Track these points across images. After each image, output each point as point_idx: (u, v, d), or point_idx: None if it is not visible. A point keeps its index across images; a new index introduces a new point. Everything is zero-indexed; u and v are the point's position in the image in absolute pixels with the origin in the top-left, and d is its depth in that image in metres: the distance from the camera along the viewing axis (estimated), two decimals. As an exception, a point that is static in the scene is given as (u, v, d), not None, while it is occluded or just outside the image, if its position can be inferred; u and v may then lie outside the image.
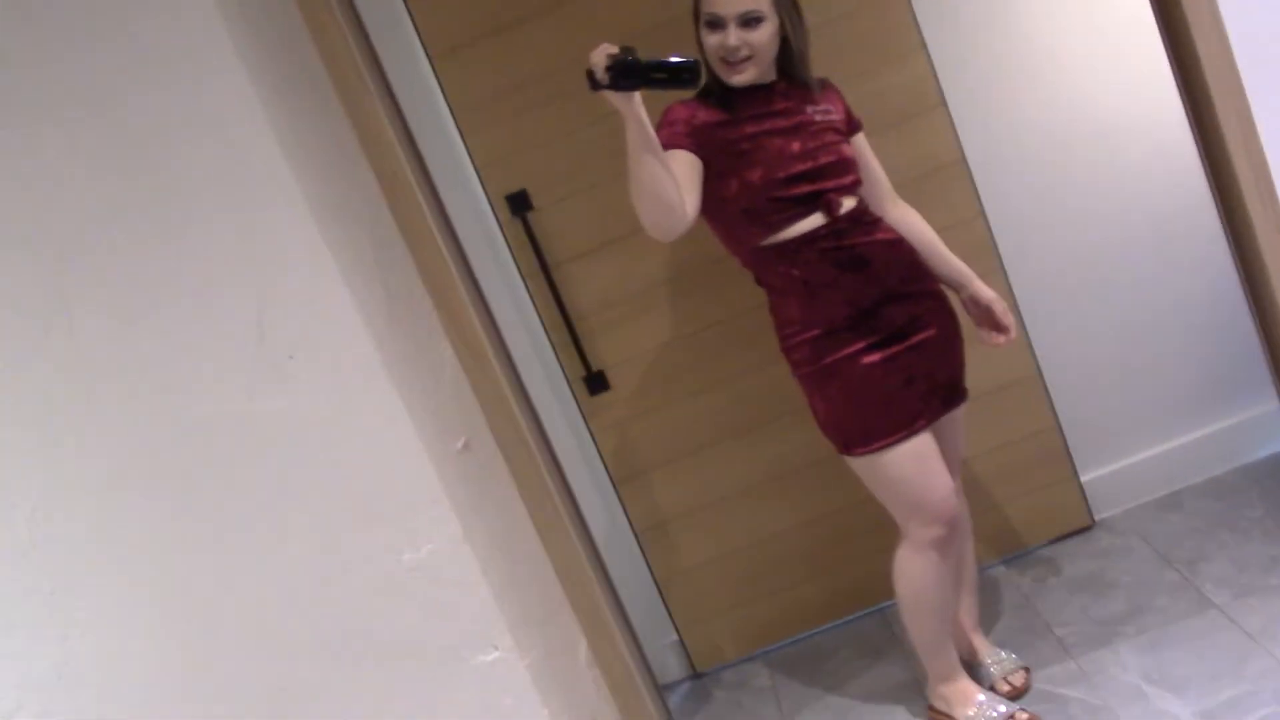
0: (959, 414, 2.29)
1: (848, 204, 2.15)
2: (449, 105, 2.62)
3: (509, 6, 2.58)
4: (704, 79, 1.95)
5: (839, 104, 2.25)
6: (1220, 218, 1.42)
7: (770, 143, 2.10)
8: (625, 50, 1.76)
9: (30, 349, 1.61)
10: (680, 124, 2.07)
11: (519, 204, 2.66)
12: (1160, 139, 2.73)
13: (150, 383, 1.63)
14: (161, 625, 1.70)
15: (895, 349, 2.13)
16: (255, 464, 1.67)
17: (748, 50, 2.05)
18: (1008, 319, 2.29)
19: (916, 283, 2.20)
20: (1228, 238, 1.39)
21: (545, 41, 2.59)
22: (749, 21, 2.03)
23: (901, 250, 2.20)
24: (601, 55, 1.77)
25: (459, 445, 1.77)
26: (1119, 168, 2.80)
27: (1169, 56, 1.32)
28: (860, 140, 2.27)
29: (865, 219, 2.17)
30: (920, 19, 2.65)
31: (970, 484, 2.11)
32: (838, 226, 2.12)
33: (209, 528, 1.68)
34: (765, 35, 2.05)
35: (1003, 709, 2.26)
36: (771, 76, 2.13)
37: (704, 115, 2.09)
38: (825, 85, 2.24)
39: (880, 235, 2.18)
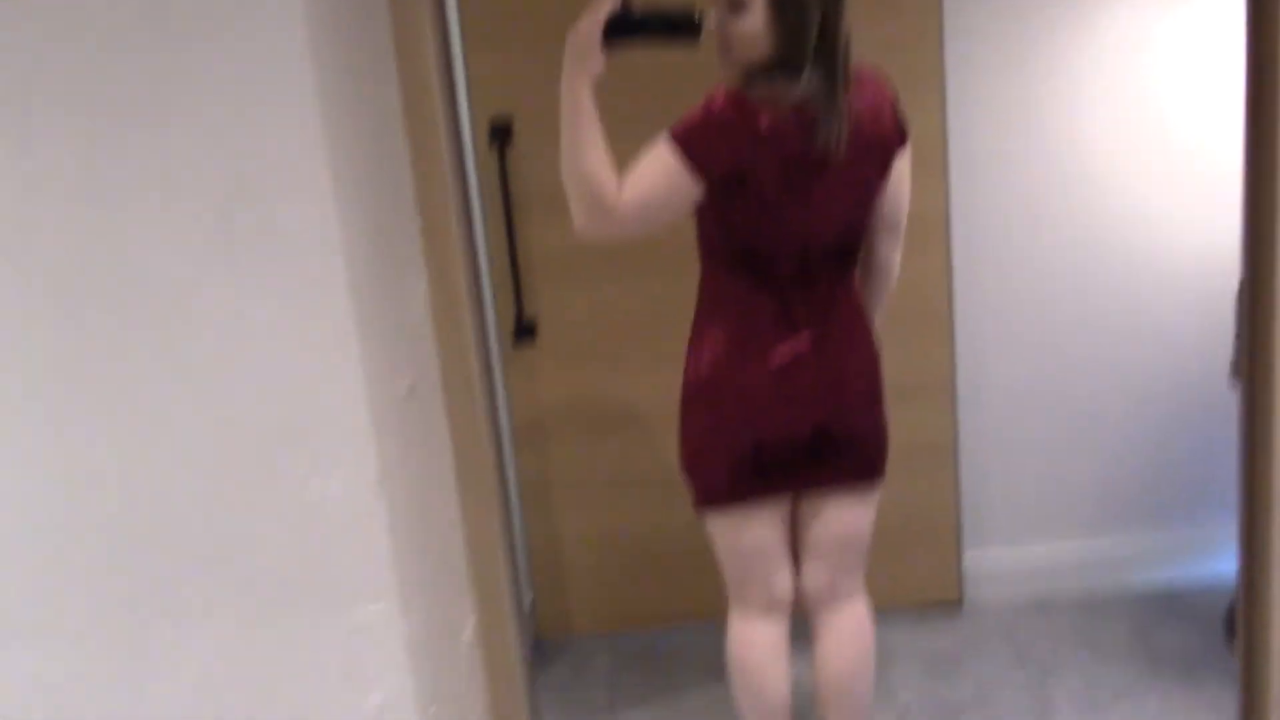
0: None
1: None
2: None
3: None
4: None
5: None
6: (1241, 356, 1.42)
7: None
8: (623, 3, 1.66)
9: None
10: None
11: (500, 134, 2.51)
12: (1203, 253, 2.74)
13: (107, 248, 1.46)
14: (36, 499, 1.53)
15: None
16: (189, 345, 1.51)
17: None
18: None
19: None
20: (1239, 373, 1.39)
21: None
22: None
23: None
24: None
25: (403, 388, 1.65)
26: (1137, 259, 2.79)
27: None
28: None
29: None
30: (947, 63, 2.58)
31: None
32: None
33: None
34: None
35: None
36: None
37: None
38: None
39: None
